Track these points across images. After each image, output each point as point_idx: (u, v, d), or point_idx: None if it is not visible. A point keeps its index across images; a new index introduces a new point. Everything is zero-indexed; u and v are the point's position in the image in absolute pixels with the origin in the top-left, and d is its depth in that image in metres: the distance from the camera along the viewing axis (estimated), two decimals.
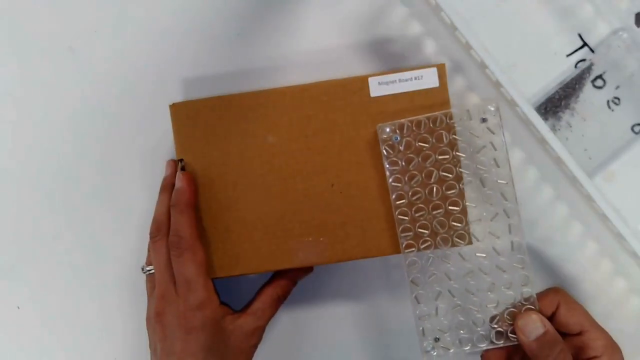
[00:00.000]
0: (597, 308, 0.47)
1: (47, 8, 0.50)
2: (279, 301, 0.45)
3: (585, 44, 0.47)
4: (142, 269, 0.45)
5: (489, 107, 0.42)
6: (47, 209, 0.50)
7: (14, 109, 0.50)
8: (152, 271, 0.44)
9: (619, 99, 0.46)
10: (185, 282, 0.42)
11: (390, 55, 0.48)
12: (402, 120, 0.42)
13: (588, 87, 0.46)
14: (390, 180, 0.42)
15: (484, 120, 0.42)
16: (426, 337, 0.43)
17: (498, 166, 0.42)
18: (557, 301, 0.42)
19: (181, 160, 0.44)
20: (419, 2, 0.48)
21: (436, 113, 0.42)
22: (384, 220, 0.43)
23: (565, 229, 0.47)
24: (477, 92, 0.48)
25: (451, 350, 0.43)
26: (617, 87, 0.46)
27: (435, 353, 0.43)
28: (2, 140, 0.50)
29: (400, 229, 0.42)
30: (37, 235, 0.50)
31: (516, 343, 0.42)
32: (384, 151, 0.42)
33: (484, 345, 0.42)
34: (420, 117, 0.42)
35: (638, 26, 0.45)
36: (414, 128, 0.42)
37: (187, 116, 0.44)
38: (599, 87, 0.46)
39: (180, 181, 0.43)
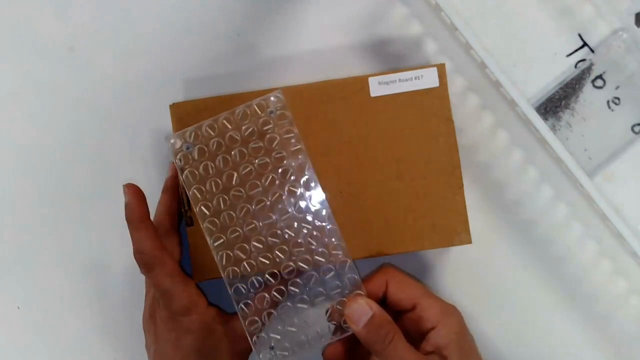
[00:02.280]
0: (597, 308, 0.47)
1: (47, 8, 0.50)
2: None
3: (585, 44, 0.47)
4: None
5: (272, 98, 0.41)
6: (47, 209, 0.50)
7: (14, 108, 0.50)
8: None
9: (618, 98, 0.46)
10: (164, 293, 0.41)
11: (390, 55, 0.48)
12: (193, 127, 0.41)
13: (588, 87, 0.46)
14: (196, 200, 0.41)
15: (272, 112, 0.41)
16: (261, 346, 0.40)
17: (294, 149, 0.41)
18: (384, 280, 0.40)
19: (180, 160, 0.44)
20: (418, 2, 0.48)
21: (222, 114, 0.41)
22: (386, 218, 0.43)
23: (565, 229, 0.47)
24: (477, 92, 0.48)
25: (287, 354, 0.40)
26: (617, 87, 0.46)
27: None
28: (2, 140, 0.50)
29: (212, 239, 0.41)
30: (37, 235, 0.50)
31: (351, 332, 0.39)
32: (178, 161, 0.41)
33: (321, 344, 0.40)
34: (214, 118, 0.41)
35: (638, 26, 0.45)
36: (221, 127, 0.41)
37: (187, 116, 0.44)
38: (599, 87, 0.46)
39: (126, 195, 0.41)
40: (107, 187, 0.49)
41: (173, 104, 0.44)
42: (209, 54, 0.49)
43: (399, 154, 0.43)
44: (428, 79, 0.43)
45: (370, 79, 0.43)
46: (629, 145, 0.46)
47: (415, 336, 0.40)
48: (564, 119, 0.47)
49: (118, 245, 0.49)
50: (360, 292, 0.40)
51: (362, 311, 0.38)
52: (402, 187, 0.43)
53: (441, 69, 0.43)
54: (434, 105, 0.43)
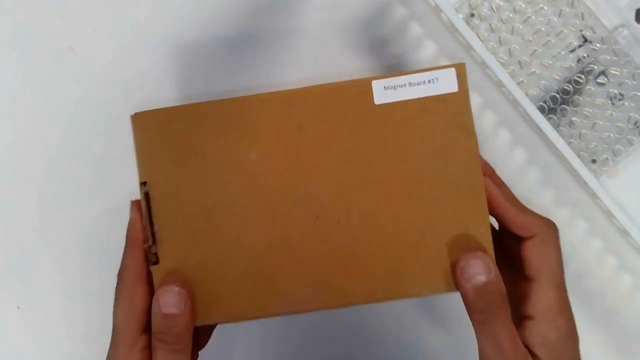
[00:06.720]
0: (602, 305, 0.47)
1: (47, 8, 0.50)
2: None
3: (586, 41, 0.47)
4: None
5: None
6: (47, 209, 0.49)
7: (14, 108, 0.50)
8: None
9: (622, 94, 0.46)
10: (113, 330, 0.35)
11: (390, 56, 0.48)
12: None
13: (590, 84, 0.47)
14: None
15: None
16: None
17: None
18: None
19: (144, 183, 0.35)
20: (417, 3, 0.48)
21: None
22: (392, 255, 0.34)
23: (570, 226, 0.47)
24: (479, 91, 0.48)
25: None
26: (619, 84, 0.46)
27: None
28: (2, 140, 0.50)
29: None
30: (37, 235, 0.49)
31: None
32: None
33: None
34: None
35: (638, 22, 0.46)
36: None
37: (153, 129, 0.35)
38: (601, 84, 0.46)
39: (131, 211, 0.36)
40: (108, 187, 0.49)
41: (135, 113, 0.35)
42: (209, 54, 0.49)
43: (408, 174, 0.34)
44: (444, 83, 0.34)
45: (374, 83, 0.34)
46: (633, 142, 0.46)
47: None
48: (566, 116, 0.47)
49: (118, 245, 0.49)
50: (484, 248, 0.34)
51: (478, 270, 0.33)
52: (412, 214, 0.34)
53: (460, 69, 0.34)
54: (451, 115, 0.34)
